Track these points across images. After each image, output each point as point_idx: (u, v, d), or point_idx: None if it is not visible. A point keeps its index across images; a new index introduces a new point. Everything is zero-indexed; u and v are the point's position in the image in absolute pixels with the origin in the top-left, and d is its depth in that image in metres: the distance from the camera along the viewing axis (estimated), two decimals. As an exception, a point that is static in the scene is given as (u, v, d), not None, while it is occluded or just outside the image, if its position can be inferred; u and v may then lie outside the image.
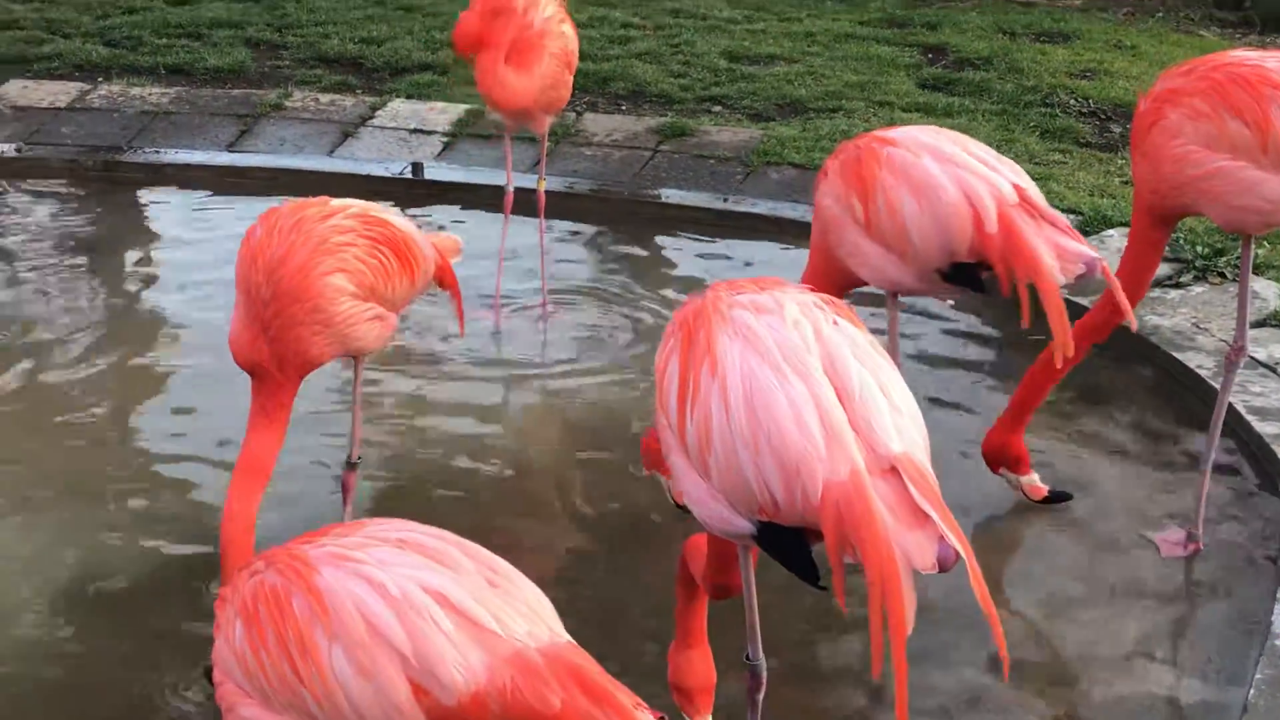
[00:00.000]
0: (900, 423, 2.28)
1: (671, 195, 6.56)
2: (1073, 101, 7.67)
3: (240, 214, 6.23)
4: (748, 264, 5.97)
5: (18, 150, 6.83)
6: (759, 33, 9.05)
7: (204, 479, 4.24)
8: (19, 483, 4.23)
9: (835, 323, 2.39)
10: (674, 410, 2.41)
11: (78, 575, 3.80)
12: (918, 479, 2.20)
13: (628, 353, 5.21)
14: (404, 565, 2.19)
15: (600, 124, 7.23)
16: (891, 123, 5.90)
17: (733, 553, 2.65)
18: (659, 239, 6.30)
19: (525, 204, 5.35)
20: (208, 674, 2.59)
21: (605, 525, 4.17)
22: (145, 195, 6.61)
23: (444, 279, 3.64)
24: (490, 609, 2.16)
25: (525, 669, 2.12)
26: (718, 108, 7.65)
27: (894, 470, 2.21)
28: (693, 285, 5.73)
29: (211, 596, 2.96)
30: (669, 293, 5.72)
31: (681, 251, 6.21)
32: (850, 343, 2.36)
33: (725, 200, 6.46)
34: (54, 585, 3.75)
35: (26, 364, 4.87)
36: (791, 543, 2.35)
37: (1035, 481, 4.13)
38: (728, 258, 6.10)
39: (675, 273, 6.02)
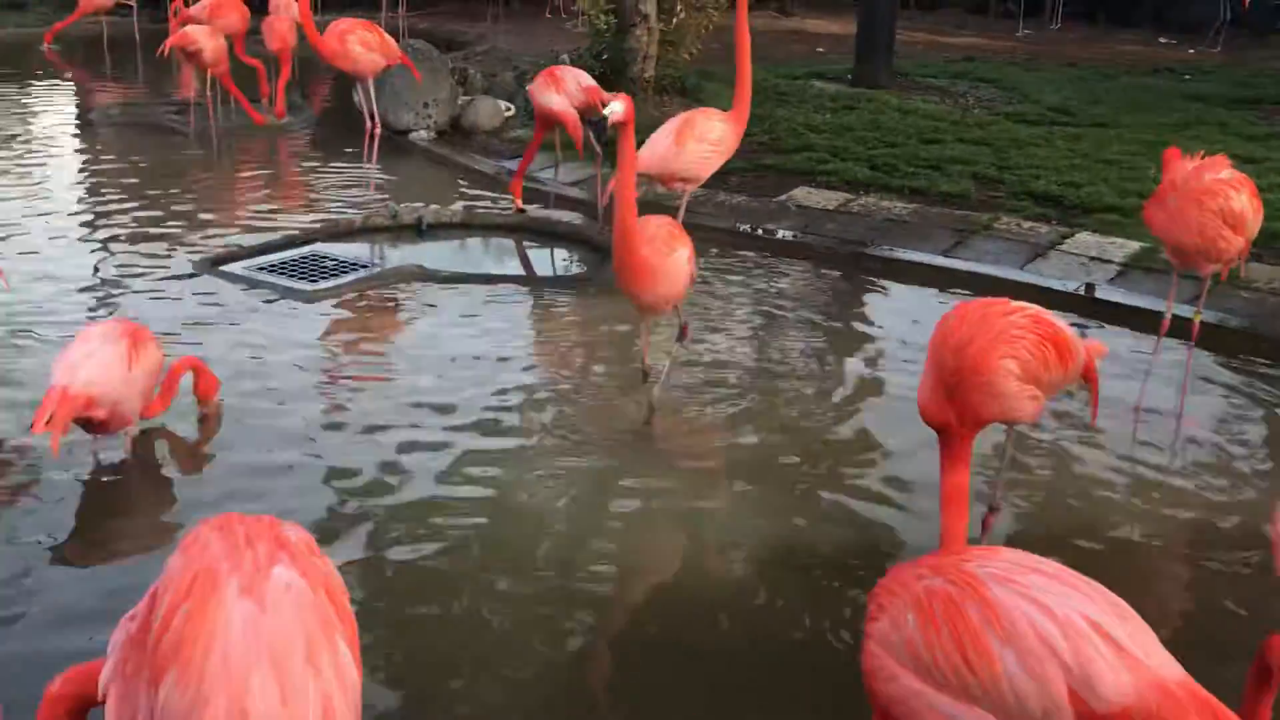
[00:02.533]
0: None
1: (1315, 343, 5.56)
2: None
3: (943, 303, 6.18)
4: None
5: (794, 236, 7.26)
6: None
7: (879, 490, 4.16)
8: (735, 471, 4.33)
9: None
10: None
11: (769, 544, 3.82)
12: None
13: (1235, 472, 4.47)
14: (1058, 594, 2.03)
15: (1262, 273, 6.30)
16: None
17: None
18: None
19: (1176, 331, 4.80)
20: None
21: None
22: (879, 280, 6.71)
23: (1088, 375, 3.43)
24: (1134, 640, 1.95)
25: (1168, 696, 1.89)
26: (1381, 273, 6.39)
27: None
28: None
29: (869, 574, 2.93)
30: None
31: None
32: None
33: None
34: (753, 550, 3.81)
35: (753, 402, 5.00)
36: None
37: None
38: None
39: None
